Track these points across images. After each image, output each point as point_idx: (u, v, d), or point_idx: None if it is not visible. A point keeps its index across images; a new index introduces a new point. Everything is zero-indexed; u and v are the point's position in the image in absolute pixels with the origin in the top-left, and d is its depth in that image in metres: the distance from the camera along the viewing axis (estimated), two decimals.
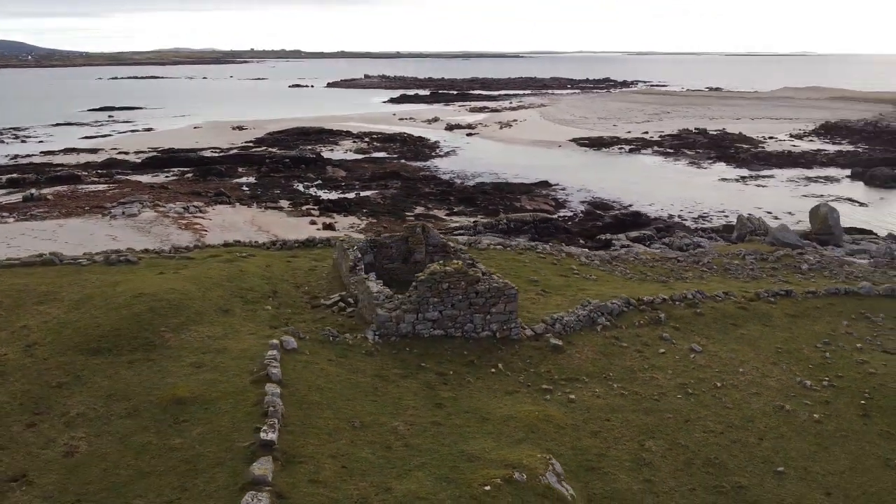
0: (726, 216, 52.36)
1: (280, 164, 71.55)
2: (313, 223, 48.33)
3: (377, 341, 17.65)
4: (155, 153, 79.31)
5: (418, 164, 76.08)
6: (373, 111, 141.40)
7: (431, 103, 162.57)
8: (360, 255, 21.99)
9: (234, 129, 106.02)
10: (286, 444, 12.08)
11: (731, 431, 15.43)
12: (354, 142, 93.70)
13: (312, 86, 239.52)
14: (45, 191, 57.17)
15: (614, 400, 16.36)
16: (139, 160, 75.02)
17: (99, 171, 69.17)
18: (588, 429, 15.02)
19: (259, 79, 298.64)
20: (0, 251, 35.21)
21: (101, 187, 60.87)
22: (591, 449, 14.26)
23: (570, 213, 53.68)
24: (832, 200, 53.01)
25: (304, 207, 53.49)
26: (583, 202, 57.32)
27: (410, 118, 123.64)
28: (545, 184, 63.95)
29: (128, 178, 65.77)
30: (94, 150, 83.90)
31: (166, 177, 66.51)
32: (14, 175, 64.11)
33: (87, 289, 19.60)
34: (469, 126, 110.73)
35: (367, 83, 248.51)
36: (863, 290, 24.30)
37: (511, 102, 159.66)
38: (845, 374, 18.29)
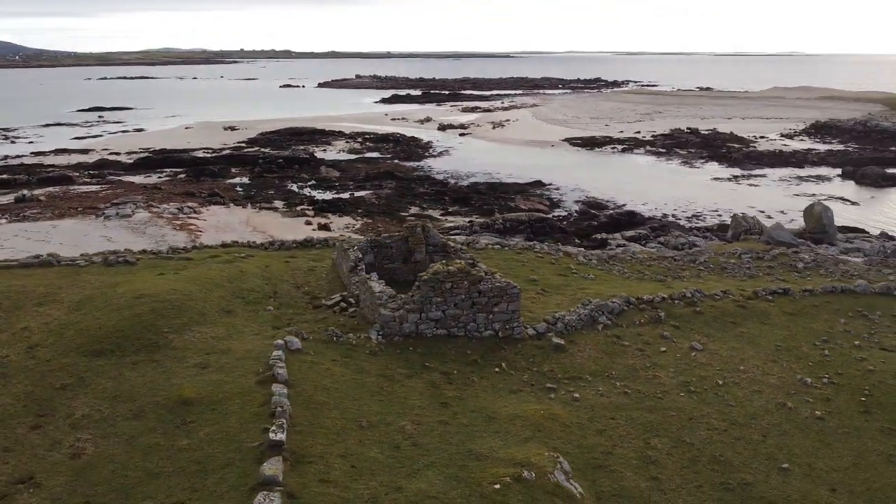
0: (720, 215, 52.61)
1: (273, 164, 71.30)
2: (308, 223, 48.22)
3: (381, 341, 17.66)
4: (147, 154, 78.89)
5: (412, 164, 75.99)
6: (365, 111, 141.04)
7: (423, 103, 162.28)
8: (360, 256, 22.00)
9: (225, 129, 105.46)
10: (295, 445, 12.07)
11: (735, 429, 15.53)
12: (347, 142, 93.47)
13: (304, 86, 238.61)
14: (37, 192, 56.69)
15: (618, 398, 16.44)
16: (131, 161, 74.52)
17: (91, 171, 68.65)
18: (593, 427, 15.09)
19: (250, 79, 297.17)
20: None
21: (93, 188, 60.46)
22: (597, 447, 14.32)
23: (564, 213, 53.71)
24: (824, 199, 53.34)
25: (298, 208, 53.37)
26: (577, 202, 57.39)
27: (402, 118, 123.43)
28: (539, 183, 64.01)
29: (120, 178, 65.31)
30: (85, 151, 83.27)
31: (159, 177, 66.10)
32: (5, 176, 63.52)
33: (86, 290, 19.53)
34: (462, 126, 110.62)
35: (359, 83, 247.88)
36: (859, 288, 24.51)
37: (503, 102, 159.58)
38: (845, 371, 18.46)
